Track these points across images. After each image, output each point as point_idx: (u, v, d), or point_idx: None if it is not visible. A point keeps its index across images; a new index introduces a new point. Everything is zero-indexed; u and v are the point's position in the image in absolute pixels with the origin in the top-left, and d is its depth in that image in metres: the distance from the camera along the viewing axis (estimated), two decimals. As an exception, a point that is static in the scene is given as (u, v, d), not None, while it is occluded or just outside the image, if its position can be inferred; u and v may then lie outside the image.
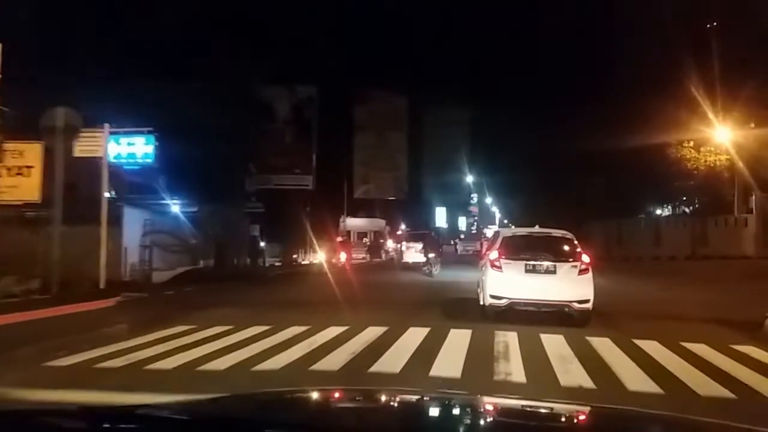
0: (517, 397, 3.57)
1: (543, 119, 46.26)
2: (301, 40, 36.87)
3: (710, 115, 31.75)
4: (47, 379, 6.02)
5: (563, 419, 2.23)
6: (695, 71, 32.10)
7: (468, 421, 2.14)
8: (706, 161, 34.91)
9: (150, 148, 15.36)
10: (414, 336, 8.33)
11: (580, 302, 9.84)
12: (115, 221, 21.94)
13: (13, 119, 14.95)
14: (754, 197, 33.53)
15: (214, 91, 26.66)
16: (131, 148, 15.36)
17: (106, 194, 15.65)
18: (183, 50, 29.54)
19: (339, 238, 31.83)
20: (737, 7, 30.32)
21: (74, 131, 12.28)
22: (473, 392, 4.01)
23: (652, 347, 7.64)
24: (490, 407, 2.31)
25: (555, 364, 6.82)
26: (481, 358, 7.11)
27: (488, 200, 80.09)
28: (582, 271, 10.07)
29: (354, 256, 35.24)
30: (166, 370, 6.48)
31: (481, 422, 2.13)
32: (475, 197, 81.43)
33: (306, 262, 36.42)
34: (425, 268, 22.66)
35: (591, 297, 9.88)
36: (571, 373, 6.45)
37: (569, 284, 9.98)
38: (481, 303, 10.92)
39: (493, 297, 10.24)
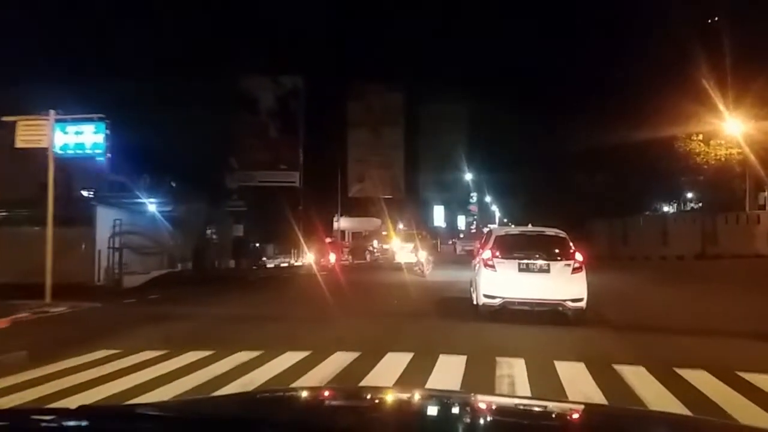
0: (514, 396, 3.42)
1: (545, 114, 45.04)
2: (288, 26, 35.05)
3: (720, 106, 30.24)
4: None
5: (563, 418, 2.18)
6: (704, 60, 30.77)
7: (468, 420, 2.11)
8: (716, 155, 33.31)
9: (100, 137, 13.50)
10: (389, 368, 6.45)
11: (573, 301, 9.76)
12: (88, 221, 20.56)
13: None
14: (767, 192, 31.99)
15: (189, 79, 24.91)
16: (79, 137, 13.49)
17: (52, 190, 13.77)
18: (154, 33, 27.70)
19: (328, 239, 30.32)
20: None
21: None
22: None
23: (702, 380, 5.78)
24: (489, 406, 2.30)
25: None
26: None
27: (488, 199, 78.69)
28: (575, 270, 9.98)
29: (344, 257, 33.75)
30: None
31: (481, 422, 2.10)
32: (474, 196, 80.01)
33: (295, 263, 34.80)
34: (416, 268, 22.38)
35: (585, 296, 9.81)
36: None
37: (563, 283, 9.90)
38: (475, 303, 10.76)
39: (486, 296, 10.14)
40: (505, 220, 65.64)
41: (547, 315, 9.89)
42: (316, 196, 39.49)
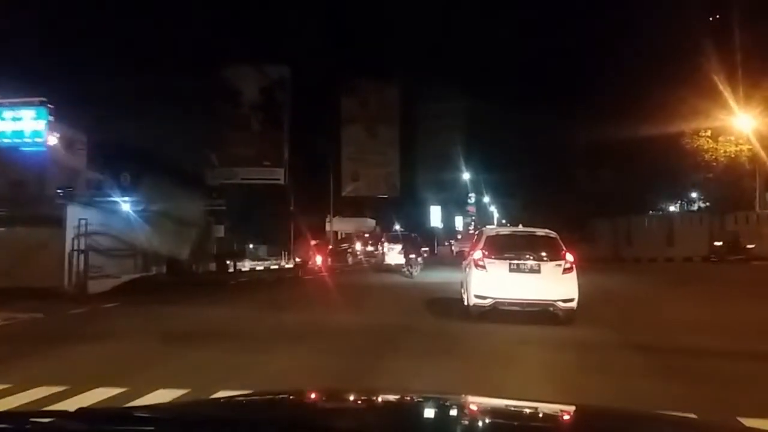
0: (508, 397, 3.21)
1: (545, 110, 43.66)
2: (275, 13, 33.21)
3: (730, 101, 28.99)
4: None
5: (561, 420, 2.21)
6: (713, 53, 29.60)
7: (465, 423, 2.13)
8: (725, 152, 32.03)
9: (41, 124, 11.87)
10: None
11: (564, 301, 9.74)
12: (57, 221, 19.20)
13: None
14: (778, 191, 30.82)
15: (165, 69, 23.32)
16: (18, 124, 11.85)
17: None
18: (125, 14, 25.96)
19: (313, 242, 29.01)
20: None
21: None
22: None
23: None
24: (485, 408, 2.31)
25: None
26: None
27: (486, 199, 77.24)
28: (566, 270, 9.98)
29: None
30: None
31: (480, 424, 2.12)
32: (472, 197, 78.61)
33: (286, 265, 33.26)
34: (405, 269, 22.38)
35: (575, 296, 9.80)
36: None
37: (554, 283, 9.88)
38: (465, 303, 10.71)
39: (477, 297, 10.11)
40: (504, 221, 64.35)
41: (560, 340, 8.39)
42: (307, 195, 37.99)
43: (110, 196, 22.79)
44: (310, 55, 36.71)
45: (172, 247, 21.66)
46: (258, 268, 33.19)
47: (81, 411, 1.81)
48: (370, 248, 31.78)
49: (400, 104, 47.98)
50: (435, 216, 66.20)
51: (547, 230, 11.13)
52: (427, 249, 48.41)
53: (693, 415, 3.97)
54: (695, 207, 41.51)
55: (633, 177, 37.21)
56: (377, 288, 17.94)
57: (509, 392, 5.56)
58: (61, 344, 8.17)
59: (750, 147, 30.49)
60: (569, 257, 10.12)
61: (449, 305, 11.86)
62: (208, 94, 30.51)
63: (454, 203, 72.77)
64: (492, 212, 77.89)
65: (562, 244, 10.42)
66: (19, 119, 11.70)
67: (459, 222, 75.11)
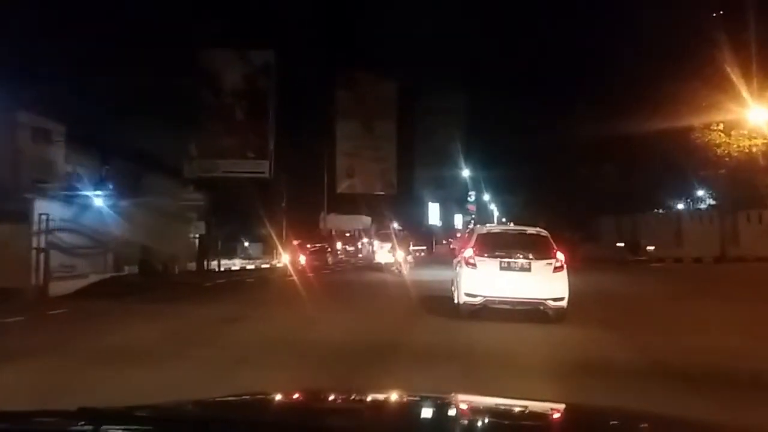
0: (502, 396, 3.02)
1: (547, 104, 42.29)
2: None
3: (744, 92, 27.53)
4: None
5: (558, 419, 2.22)
6: (726, 42, 28.14)
7: (463, 422, 2.15)
8: (738, 146, 30.49)
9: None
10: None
11: (555, 300, 9.80)
12: (23, 217, 17.94)
13: None
14: (795, 188, 29.56)
15: (140, 50, 21.68)
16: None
17: None
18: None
19: (294, 242, 27.87)
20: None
21: None
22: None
23: None
24: (483, 407, 2.34)
25: None
26: None
27: (486, 197, 76.08)
28: (557, 269, 10.03)
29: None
30: None
31: (479, 423, 2.13)
32: (473, 195, 77.40)
33: (276, 264, 31.76)
34: (395, 268, 22.45)
35: (566, 295, 9.84)
36: None
37: (544, 282, 9.92)
38: (456, 301, 10.76)
39: (467, 295, 10.15)
40: (504, 220, 63.05)
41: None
42: (300, 191, 36.51)
43: (84, 189, 21.40)
44: (303, 44, 35.17)
45: (147, 244, 20.19)
46: (249, 267, 31.78)
47: (82, 410, 1.81)
48: (350, 248, 30.95)
49: (398, 98, 46.49)
50: (433, 214, 64.81)
51: (538, 229, 11.30)
52: (424, 247, 47.31)
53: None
54: (704, 205, 40.06)
55: (639, 173, 35.86)
56: (360, 287, 17.32)
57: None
58: None
59: (765, 141, 28.47)
60: (560, 256, 10.18)
61: (439, 305, 11.42)
62: (188, 80, 28.72)
63: (454, 201, 71.54)
64: (492, 210, 76.83)
65: (553, 243, 10.46)
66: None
67: (458, 220, 73.67)
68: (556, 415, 2.21)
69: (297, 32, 34.76)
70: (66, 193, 21.03)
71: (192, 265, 23.95)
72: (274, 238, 29.71)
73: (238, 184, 29.97)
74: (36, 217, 17.77)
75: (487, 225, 16.66)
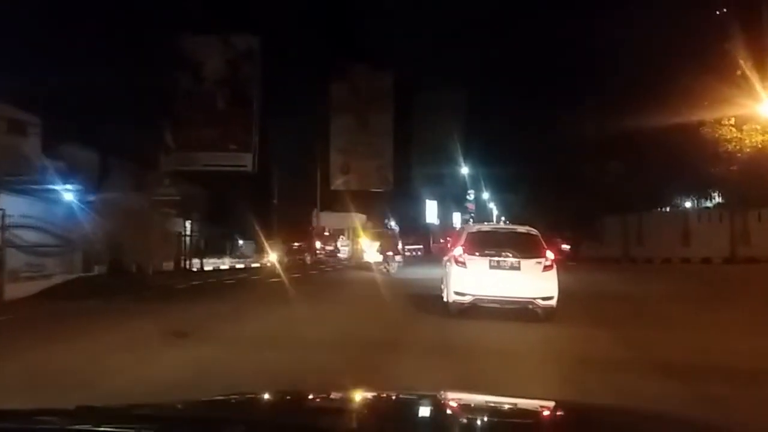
0: (498, 395, 3.08)
1: (549, 98, 41.03)
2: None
3: (757, 85, 26.37)
4: None
5: (556, 417, 2.22)
6: (738, 32, 27.08)
7: (463, 421, 2.15)
8: (751, 142, 29.28)
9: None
10: None
11: (544, 299, 9.86)
12: None
13: None
14: (810, 185, 28.56)
15: (116, 34, 20.31)
16: None
17: None
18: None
19: (295, 244, 27.11)
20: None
21: None
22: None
23: None
24: (480, 406, 2.34)
25: None
26: None
27: (485, 196, 74.89)
28: (546, 268, 10.09)
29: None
30: None
31: (478, 422, 2.13)
32: (471, 194, 76.19)
33: (266, 263, 30.42)
34: (382, 266, 22.53)
35: (555, 294, 9.88)
36: None
37: (533, 281, 9.97)
38: (445, 300, 10.85)
39: (457, 293, 10.24)
40: (503, 218, 61.95)
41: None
42: (292, 187, 35.19)
43: (54, 184, 19.98)
44: (296, 33, 33.81)
45: (118, 242, 18.78)
46: (238, 266, 30.46)
47: (81, 409, 1.82)
48: (329, 247, 30.03)
49: (395, 92, 45.12)
50: (431, 212, 63.45)
51: (528, 227, 11.31)
52: (420, 246, 46.03)
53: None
54: (712, 203, 38.75)
55: (646, 170, 34.55)
56: (343, 288, 16.98)
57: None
58: None
59: (779, 136, 27.50)
60: (549, 255, 10.27)
61: (424, 305, 11.36)
62: (166, 66, 27.13)
63: (452, 199, 70.39)
64: (491, 209, 75.73)
65: (543, 242, 10.55)
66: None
67: (457, 219, 72.50)
68: (546, 413, 2.23)
69: (289, 20, 33.38)
70: (33, 187, 19.57)
71: (170, 265, 22.50)
72: (263, 236, 28.34)
73: (226, 178, 28.46)
74: (-1, 213, 16.42)
75: (477, 224, 16.59)
